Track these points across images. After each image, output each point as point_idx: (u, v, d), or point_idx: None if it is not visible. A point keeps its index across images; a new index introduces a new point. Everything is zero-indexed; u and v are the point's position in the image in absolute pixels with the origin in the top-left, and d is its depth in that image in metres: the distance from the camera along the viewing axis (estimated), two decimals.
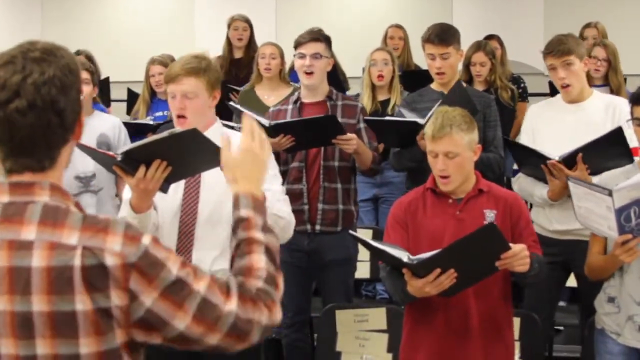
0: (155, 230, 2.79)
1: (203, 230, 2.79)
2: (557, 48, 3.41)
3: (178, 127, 2.47)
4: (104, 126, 4.25)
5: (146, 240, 1.45)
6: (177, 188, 2.75)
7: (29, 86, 1.43)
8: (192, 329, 1.45)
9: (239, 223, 1.63)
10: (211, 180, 2.76)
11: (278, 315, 1.55)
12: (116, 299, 1.41)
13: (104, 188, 3.99)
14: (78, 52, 6.15)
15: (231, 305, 1.47)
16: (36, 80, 1.43)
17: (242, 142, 1.75)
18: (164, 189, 2.60)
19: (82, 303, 1.40)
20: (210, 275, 1.51)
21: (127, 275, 1.41)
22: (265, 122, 3.55)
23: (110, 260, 1.40)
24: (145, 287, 1.42)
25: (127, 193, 2.80)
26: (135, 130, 4.55)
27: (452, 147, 2.72)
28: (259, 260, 1.58)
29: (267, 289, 1.55)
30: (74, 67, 1.50)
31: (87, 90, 4.19)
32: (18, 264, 1.41)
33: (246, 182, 1.69)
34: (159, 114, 5.16)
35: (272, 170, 2.86)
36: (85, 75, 4.21)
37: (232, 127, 4.46)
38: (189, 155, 2.57)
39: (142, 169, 2.51)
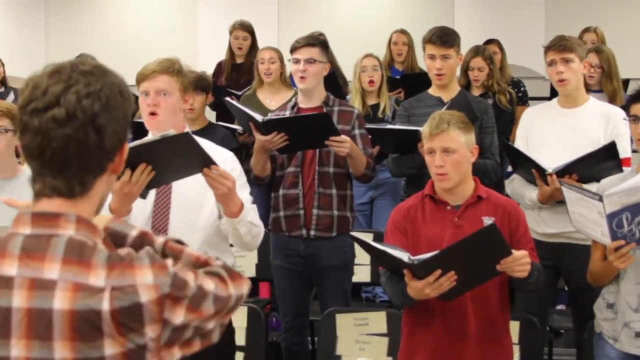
0: None
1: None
2: (559, 43, 3.47)
3: (171, 130, 2.43)
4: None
5: (169, 263, 1.36)
6: (148, 195, 2.67)
7: (70, 96, 1.32)
8: (208, 323, 1.40)
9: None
10: (182, 187, 2.73)
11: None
12: (151, 332, 1.32)
13: None
14: (81, 56, 6.19)
15: (231, 290, 1.43)
16: (79, 90, 1.33)
17: None
18: (143, 194, 2.56)
19: (111, 347, 1.30)
20: (204, 269, 1.45)
21: (162, 308, 1.32)
22: (259, 117, 3.54)
23: (145, 296, 1.31)
24: (174, 310, 1.34)
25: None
26: (134, 132, 4.55)
27: (449, 143, 2.73)
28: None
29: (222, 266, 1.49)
30: (126, 91, 1.40)
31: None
32: (39, 305, 1.29)
33: None
34: None
35: (242, 179, 2.83)
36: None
37: (233, 130, 4.51)
38: (175, 160, 2.53)
39: (127, 172, 2.46)
